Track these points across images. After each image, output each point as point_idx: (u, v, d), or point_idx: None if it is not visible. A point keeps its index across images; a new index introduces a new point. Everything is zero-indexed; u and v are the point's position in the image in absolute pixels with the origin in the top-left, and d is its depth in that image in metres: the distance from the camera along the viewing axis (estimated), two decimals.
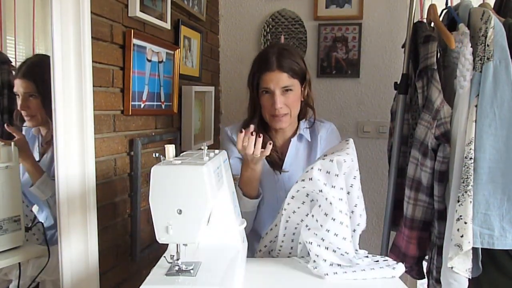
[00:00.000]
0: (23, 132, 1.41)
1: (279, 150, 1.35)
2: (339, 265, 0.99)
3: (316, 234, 0.99)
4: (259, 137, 1.14)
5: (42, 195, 1.31)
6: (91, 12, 1.09)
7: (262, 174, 1.28)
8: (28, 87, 1.35)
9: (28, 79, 1.35)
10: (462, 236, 1.17)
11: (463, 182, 1.18)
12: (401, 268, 1.01)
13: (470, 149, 1.18)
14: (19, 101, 1.36)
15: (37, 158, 1.41)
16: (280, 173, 1.32)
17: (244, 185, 1.25)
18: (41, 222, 1.30)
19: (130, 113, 1.31)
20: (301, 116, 1.37)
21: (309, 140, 1.36)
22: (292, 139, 1.34)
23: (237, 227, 1.02)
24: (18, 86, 1.36)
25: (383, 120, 2.15)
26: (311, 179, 0.99)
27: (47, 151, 1.41)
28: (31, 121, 1.39)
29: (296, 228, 1.08)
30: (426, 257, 1.43)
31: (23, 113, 1.37)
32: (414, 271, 1.45)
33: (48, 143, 1.40)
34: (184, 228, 0.79)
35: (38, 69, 1.34)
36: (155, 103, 1.49)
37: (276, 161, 1.33)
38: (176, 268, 0.85)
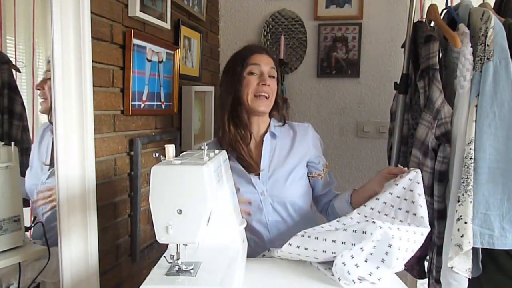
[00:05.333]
0: (42, 131, 1.39)
1: (253, 150, 1.32)
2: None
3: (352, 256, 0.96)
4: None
5: None
6: (91, 12, 1.09)
7: (240, 179, 1.27)
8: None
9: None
10: (462, 236, 1.17)
11: (463, 182, 1.18)
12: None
13: (470, 149, 1.18)
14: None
15: (47, 160, 1.39)
16: (258, 174, 1.27)
17: None
18: (41, 222, 1.29)
19: (130, 113, 1.31)
20: (271, 113, 1.37)
21: (279, 136, 1.33)
22: (265, 138, 1.31)
23: (237, 227, 1.02)
24: (47, 66, 1.35)
25: (383, 120, 2.15)
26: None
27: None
28: (42, 104, 1.38)
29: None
30: (427, 257, 1.43)
31: (38, 93, 1.37)
32: (415, 271, 1.45)
33: None
34: (184, 228, 0.79)
35: None
36: (155, 103, 1.49)
37: (250, 164, 1.28)
38: (176, 268, 0.85)
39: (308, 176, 1.34)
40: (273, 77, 1.30)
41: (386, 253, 0.93)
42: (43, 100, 1.35)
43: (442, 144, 1.27)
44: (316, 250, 0.99)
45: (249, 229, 1.27)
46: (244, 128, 1.30)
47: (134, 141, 1.34)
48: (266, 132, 1.33)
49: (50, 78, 1.32)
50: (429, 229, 1.00)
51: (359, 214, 1.08)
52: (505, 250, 1.20)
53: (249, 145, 1.31)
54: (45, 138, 1.40)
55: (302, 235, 1.03)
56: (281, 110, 1.38)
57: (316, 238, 1.00)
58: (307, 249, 1.00)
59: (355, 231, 0.96)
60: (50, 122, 1.40)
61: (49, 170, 1.32)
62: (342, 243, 0.96)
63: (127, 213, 1.34)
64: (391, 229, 0.95)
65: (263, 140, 1.31)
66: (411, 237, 0.97)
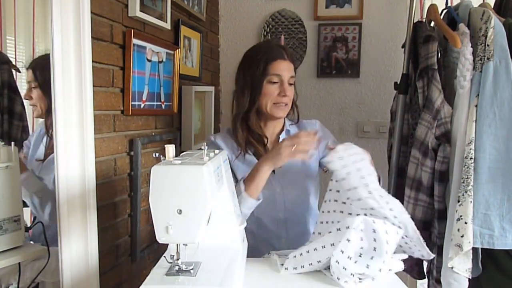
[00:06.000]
0: (36, 127, 1.41)
1: (270, 149, 1.32)
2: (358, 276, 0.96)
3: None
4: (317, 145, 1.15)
5: (25, 191, 1.30)
6: (91, 12, 1.09)
7: None
8: (29, 77, 1.36)
9: (29, 68, 1.36)
10: (462, 236, 1.17)
11: (463, 182, 1.18)
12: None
13: (470, 149, 1.18)
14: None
15: (41, 157, 1.40)
16: (274, 171, 1.26)
17: (251, 183, 1.16)
18: (41, 222, 1.29)
19: (130, 113, 1.31)
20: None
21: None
22: (280, 136, 1.33)
23: (237, 227, 1.02)
24: (27, 76, 1.37)
25: (383, 120, 2.15)
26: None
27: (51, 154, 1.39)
28: (34, 111, 1.40)
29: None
30: None
31: (29, 102, 1.38)
32: (415, 271, 1.45)
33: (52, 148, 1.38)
34: (184, 228, 0.79)
35: (39, 60, 1.36)
36: (155, 103, 1.49)
37: None
38: (176, 268, 0.85)
39: (321, 169, 1.35)
40: (292, 84, 1.29)
41: (375, 240, 0.92)
42: (33, 106, 1.38)
43: (442, 144, 1.27)
44: (311, 264, 0.99)
45: (259, 223, 1.29)
46: (259, 132, 1.30)
47: (134, 141, 1.34)
48: (281, 130, 1.35)
49: (35, 87, 1.35)
50: (402, 231, 0.97)
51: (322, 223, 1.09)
52: (505, 250, 1.20)
53: (266, 145, 1.31)
54: (43, 137, 1.41)
55: (295, 256, 1.02)
56: (297, 109, 1.38)
57: (308, 251, 1.00)
58: (303, 266, 1.01)
59: (339, 229, 0.97)
60: (46, 125, 1.42)
61: (43, 163, 1.34)
62: (331, 245, 0.96)
63: (127, 213, 1.34)
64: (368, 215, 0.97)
65: (279, 138, 1.33)
66: (389, 227, 0.96)
